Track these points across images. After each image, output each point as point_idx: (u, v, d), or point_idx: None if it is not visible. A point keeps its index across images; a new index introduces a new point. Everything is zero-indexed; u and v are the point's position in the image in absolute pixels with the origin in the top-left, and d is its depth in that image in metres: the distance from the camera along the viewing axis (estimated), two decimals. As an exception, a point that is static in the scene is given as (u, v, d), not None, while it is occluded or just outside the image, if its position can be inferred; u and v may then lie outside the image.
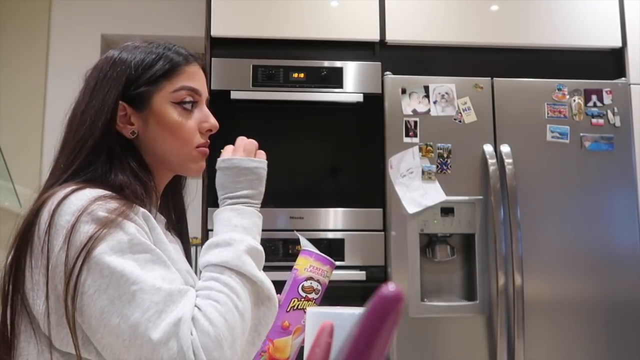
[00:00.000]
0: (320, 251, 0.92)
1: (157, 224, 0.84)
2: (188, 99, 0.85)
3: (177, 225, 0.96)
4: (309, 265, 0.90)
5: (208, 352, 0.68)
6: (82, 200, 0.72)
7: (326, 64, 2.03)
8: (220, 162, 0.86)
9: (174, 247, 0.87)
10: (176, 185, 0.96)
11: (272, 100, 1.98)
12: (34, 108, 2.75)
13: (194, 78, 0.87)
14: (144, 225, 0.76)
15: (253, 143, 0.88)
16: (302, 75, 2.00)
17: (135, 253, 0.70)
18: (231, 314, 0.71)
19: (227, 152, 0.87)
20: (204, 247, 0.80)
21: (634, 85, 2.10)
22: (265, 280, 0.78)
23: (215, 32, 2.03)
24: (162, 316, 0.67)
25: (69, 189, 0.74)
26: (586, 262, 1.95)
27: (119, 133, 0.82)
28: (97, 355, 0.70)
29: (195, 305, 0.71)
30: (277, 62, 2.00)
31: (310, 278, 0.89)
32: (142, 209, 0.77)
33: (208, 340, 0.68)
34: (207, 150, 0.89)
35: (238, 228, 0.80)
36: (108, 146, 0.80)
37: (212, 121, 0.88)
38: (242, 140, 0.88)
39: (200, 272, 0.79)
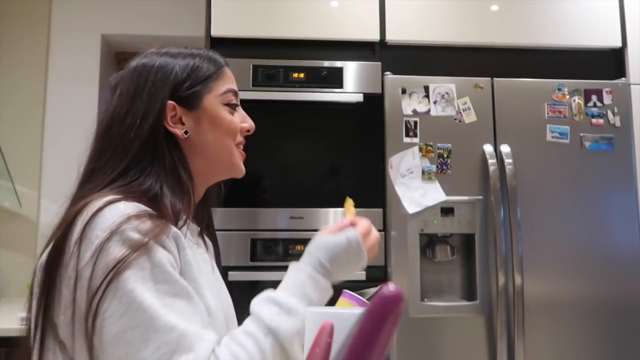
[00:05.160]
0: None
1: (189, 234, 0.84)
2: (233, 100, 0.89)
3: (207, 232, 0.97)
4: None
5: None
6: (116, 217, 0.70)
7: (326, 64, 2.03)
8: (354, 236, 0.83)
9: (202, 256, 0.87)
10: (207, 195, 0.96)
11: (272, 100, 1.98)
12: (34, 108, 2.75)
13: (233, 81, 0.91)
14: (174, 248, 0.74)
15: (376, 251, 0.88)
16: (302, 75, 2.00)
17: (157, 283, 0.68)
18: None
19: (363, 229, 0.86)
20: (264, 292, 0.76)
21: (634, 85, 2.10)
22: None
23: (215, 32, 2.03)
24: (172, 358, 0.65)
25: (103, 201, 0.72)
26: (586, 262, 1.95)
27: (168, 133, 0.82)
28: None
29: (215, 353, 0.68)
30: (277, 62, 2.00)
31: None
32: (174, 229, 0.75)
33: None
34: (243, 153, 0.91)
35: (306, 299, 0.76)
36: (153, 148, 0.80)
37: (251, 122, 0.92)
38: (377, 239, 0.88)
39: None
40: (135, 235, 0.69)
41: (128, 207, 0.72)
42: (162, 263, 0.70)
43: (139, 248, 0.68)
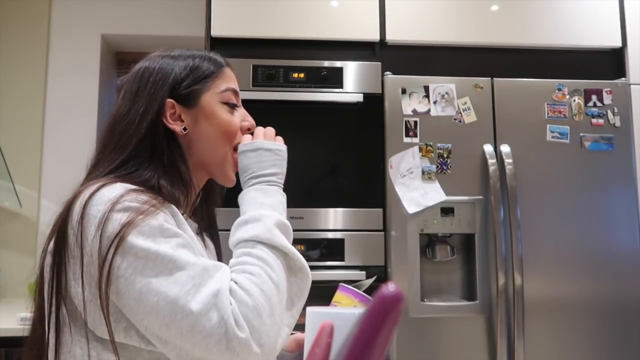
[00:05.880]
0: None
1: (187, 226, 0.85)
2: (232, 99, 0.91)
3: (208, 232, 0.99)
4: (353, 306, 0.85)
5: (248, 321, 0.69)
6: (114, 192, 0.74)
7: (326, 64, 2.03)
8: (242, 147, 0.88)
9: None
10: (209, 193, 0.99)
11: (272, 100, 1.98)
12: (34, 108, 2.75)
13: (233, 81, 0.94)
14: (171, 219, 0.77)
15: (271, 129, 0.92)
16: (302, 75, 2.00)
17: (166, 237, 0.72)
18: (267, 284, 0.72)
19: (248, 138, 0.91)
20: (233, 227, 0.81)
21: (634, 85, 2.10)
22: (297, 252, 0.79)
23: (215, 32, 2.03)
24: (200, 289, 0.68)
25: (100, 183, 0.76)
26: (586, 262, 1.95)
27: (167, 130, 0.85)
28: (139, 340, 0.71)
29: (231, 279, 0.72)
30: (277, 62, 2.00)
31: None
32: (171, 206, 0.79)
33: (247, 310, 0.69)
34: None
35: (265, 206, 0.82)
36: (152, 143, 0.83)
37: (251, 121, 0.93)
38: (260, 128, 0.92)
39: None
40: (135, 204, 0.73)
41: (124, 186, 0.76)
42: (163, 222, 0.73)
43: (141, 213, 0.72)
